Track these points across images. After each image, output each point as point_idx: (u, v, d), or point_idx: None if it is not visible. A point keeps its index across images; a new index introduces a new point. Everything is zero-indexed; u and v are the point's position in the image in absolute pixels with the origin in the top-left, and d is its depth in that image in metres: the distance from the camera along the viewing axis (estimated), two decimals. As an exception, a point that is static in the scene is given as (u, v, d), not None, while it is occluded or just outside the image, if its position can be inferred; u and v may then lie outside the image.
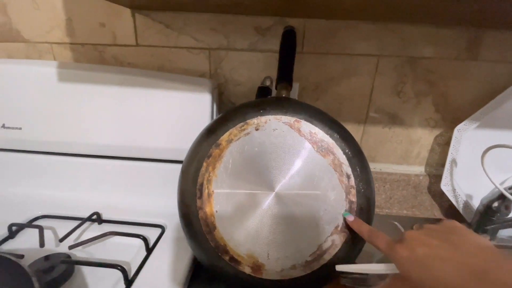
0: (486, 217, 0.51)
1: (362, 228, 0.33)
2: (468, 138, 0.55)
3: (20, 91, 0.52)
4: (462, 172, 0.56)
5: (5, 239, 0.45)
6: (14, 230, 0.46)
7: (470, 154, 0.55)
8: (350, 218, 0.35)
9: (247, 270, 0.36)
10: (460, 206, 0.57)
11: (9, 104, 0.52)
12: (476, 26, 0.51)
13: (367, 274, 0.31)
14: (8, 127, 0.53)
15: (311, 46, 0.53)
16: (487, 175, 0.55)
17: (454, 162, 0.56)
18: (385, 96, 0.56)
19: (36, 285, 0.27)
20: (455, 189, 0.57)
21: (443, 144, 0.59)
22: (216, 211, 0.37)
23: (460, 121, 0.54)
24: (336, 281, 0.37)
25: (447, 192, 0.57)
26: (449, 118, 0.57)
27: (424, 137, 0.59)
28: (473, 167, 0.56)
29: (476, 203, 0.54)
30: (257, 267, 0.36)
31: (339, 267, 0.33)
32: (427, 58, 0.53)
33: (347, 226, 0.35)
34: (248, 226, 0.36)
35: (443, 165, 0.57)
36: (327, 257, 0.36)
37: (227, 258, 0.36)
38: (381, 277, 0.30)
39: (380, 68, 0.54)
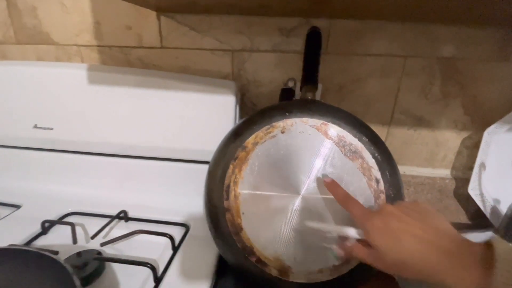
0: (516, 223, 0.49)
1: (337, 191, 0.33)
2: (498, 141, 0.53)
3: (51, 92, 0.54)
4: (490, 176, 0.54)
5: (38, 235, 0.47)
6: (46, 227, 0.48)
7: (500, 157, 0.53)
8: (328, 179, 0.34)
9: (274, 272, 0.36)
10: (487, 211, 0.55)
11: (40, 105, 0.54)
12: (508, 26, 0.49)
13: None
14: (40, 127, 0.55)
15: (336, 47, 0.52)
16: (518, 180, 0.53)
17: (482, 165, 0.54)
18: (411, 98, 0.54)
19: (77, 282, 0.28)
20: (482, 194, 0.55)
21: (471, 147, 0.57)
22: (243, 213, 0.37)
23: (490, 123, 0.52)
24: (363, 287, 0.37)
25: (474, 197, 0.55)
26: (478, 121, 0.55)
27: (451, 140, 0.57)
28: (502, 171, 0.54)
29: (504, 208, 0.52)
30: (284, 269, 0.36)
31: (309, 224, 0.34)
32: (457, 59, 0.51)
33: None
34: (275, 228, 0.36)
35: (470, 169, 0.55)
36: (354, 262, 0.35)
37: (254, 259, 0.36)
38: (344, 239, 0.31)
39: (407, 69, 0.53)
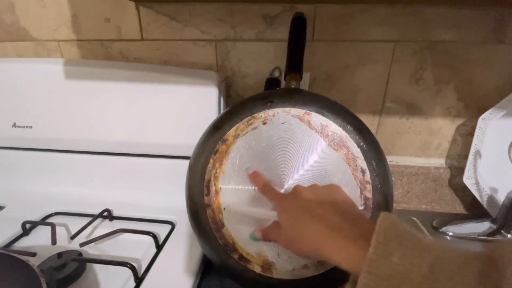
0: (513, 212, 0.48)
1: (257, 180, 0.34)
2: (493, 127, 0.51)
3: (30, 89, 0.52)
4: (486, 164, 0.52)
5: (19, 237, 0.46)
6: (28, 228, 0.47)
7: (496, 145, 0.52)
8: (250, 171, 0.35)
9: (257, 269, 0.35)
10: (484, 200, 0.53)
11: (19, 103, 0.53)
12: (502, 6, 0.46)
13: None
14: (19, 126, 0.53)
15: (322, 33, 0.50)
16: (515, 167, 0.51)
17: (478, 153, 0.52)
18: (402, 85, 0.52)
19: (44, 285, 0.27)
20: (478, 182, 0.53)
21: (465, 135, 0.55)
22: (224, 209, 0.36)
23: (485, 109, 0.50)
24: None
25: (470, 186, 0.53)
26: (473, 107, 0.53)
27: (445, 127, 0.55)
28: (498, 159, 0.52)
29: (501, 197, 0.50)
30: (267, 266, 0.35)
31: (230, 206, 0.35)
32: (449, 42, 0.49)
33: None
34: (257, 224, 0.35)
35: (465, 157, 0.53)
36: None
37: (236, 256, 0.35)
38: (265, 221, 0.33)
39: (397, 55, 0.50)
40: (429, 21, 0.48)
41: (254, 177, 0.35)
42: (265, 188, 0.33)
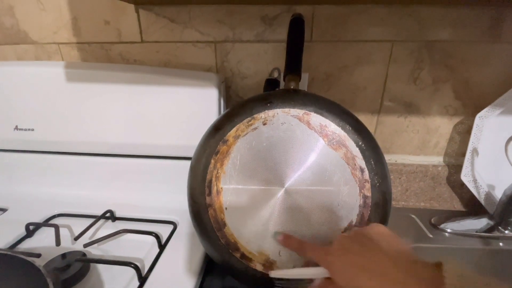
0: (510, 208, 0.48)
1: (291, 243, 0.34)
2: (490, 125, 0.51)
3: (31, 92, 0.53)
4: (483, 161, 0.53)
5: (23, 238, 0.47)
6: (31, 229, 0.48)
7: (493, 142, 0.52)
8: (280, 237, 0.34)
9: (259, 267, 0.35)
10: (481, 197, 0.54)
11: (21, 106, 0.53)
12: (498, 5, 0.47)
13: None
14: (21, 129, 0.54)
15: (320, 34, 0.51)
16: (511, 164, 0.52)
17: (475, 151, 0.53)
18: (400, 84, 0.53)
19: (51, 285, 0.27)
20: (476, 180, 0.54)
21: (463, 133, 0.56)
22: (226, 208, 0.36)
23: (482, 107, 0.51)
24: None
25: (467, 183, 0.54)
26: (470, 105, 0.54)
27: (442, 126, 0.56)
28: (495, 156, 0.53)
29: (498, 194, 0.51)
30: (269, 264, 0.35)
31: (274, 273, 0.32)
32: (446, 41, 0.50)
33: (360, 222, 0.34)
34: (259, 222, 0.36)
35: (463, 155, 0.54)
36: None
37: (238, 255, 0.36)
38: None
39: (395, 54, 0.51)
40: (426, 21, 0.49)
41: (286, 242, 0.34)
42: (302, 247, 0.32)
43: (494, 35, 0.49)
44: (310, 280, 0.30)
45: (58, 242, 0.45)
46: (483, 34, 0.49)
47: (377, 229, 0.29)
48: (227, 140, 0.37)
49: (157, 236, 0.45)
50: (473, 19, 0.48)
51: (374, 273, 0.25)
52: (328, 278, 0.29)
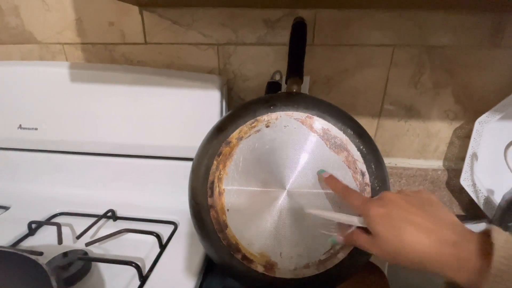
0: (509, 213, 0.49)
1: (337, 185, 0.33)
2: (490, 130, 0.52)
3: (35, 92, 0.53)
4: (483, 166, 0.53)
5: (25, 236, 0.47)
6: (33, 228, 0.48)
7: (492, 147, 0.53)
8: (326, 175, 0.34)
9: (260, 268, 0.36)
10: (480, 202, 0.54)
11: (25, 106, 0.54)
12: (499, 10, 0.47)
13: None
14: (25, 128, 0.54)
15: (322, 38, 0.51)
16: (510, 169, 0.52)
17: (474, 155, 0.53)
18: (401, 88, 0.53)
19: (54, 283, 0.27)
20: (475, 184, 0.54)
21: (463, 137, 0.56)
22: (228, 210, 0.36)
23: (481, 112, 0.51)
24: (347, 281, 0.36)
25: (467, 187, 0.54)
26: (470, 110, 0.54)
27: (442, 130, 0.56)
28: (495, 161, 0.53)
29: (498, 199, 0.51)
30: (269, 265, 0.35)
31: (309, 210, 0.34)
32: (447, 46, 0.50)
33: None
34: (260, 224, 0.36)
35: (463, 159, 0.54)
36: (341, 256, 0.35)
37: (239, 256, 0.36)
38: (345, 226, 0.32)
39: (396, 59, 0.51)
40: (427, 25, 0.49)
41: (331, 181, 0.33)
42: (346, 191, 0.31)
43: (495, 40, 0.49)
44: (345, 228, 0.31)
45: (60, 241, 0.45)
46: (484, 39, 0.49)
47: (427, 195, 0.28)
48: (230, 141, 0.38)
49: (158, 236, 0.45)
50: (474, 24, 0.49)
51: (422, 228, 0.24)
52: (363, 228, 0.29)
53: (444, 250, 0.23)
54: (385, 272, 0.42)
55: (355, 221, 0.30)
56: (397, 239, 0.25)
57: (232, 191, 0.37)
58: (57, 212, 0.53)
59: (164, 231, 0.49)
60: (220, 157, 0.37)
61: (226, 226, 0.36)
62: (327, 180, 0.34)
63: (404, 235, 0.25)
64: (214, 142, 0.38)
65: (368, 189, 0.35)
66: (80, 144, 0.55)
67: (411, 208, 0.26)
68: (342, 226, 0.32)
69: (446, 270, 0.23)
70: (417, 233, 0.24)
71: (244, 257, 0.36)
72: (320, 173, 0.35)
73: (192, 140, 0.49)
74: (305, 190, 0.35)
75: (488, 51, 0.50)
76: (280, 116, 0.38)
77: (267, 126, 0.37)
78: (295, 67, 0.43)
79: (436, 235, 0.24)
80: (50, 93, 0.53)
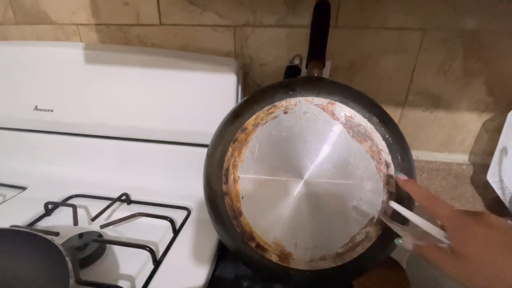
0: (538, 212, 0.46)
1: (417, 190, 0.29)
2: (523, 123, 0.48)
3: (51, 73, 0.53)
4: (512, 162, 0.50)
5: (42, 217, 0.48)
6: (50, 208, 0.49)
7: (524, 142, 0.49)
8: (403, 177, 0.30)
9: (274, 258, 0.35)
10: (506, 199, 0.51)
11: (40, 87, 0.54)
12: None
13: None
14: (41, 109, 0.54)
15: (346, 20, 0.48)
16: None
17: (504, 150, 0.50)
18: (429, 76, 0.50)
19: (69, 264, 0.27)
20: (502, 180, 0.51)
21: (492, 130, 0.53)
22: (242, 197, 0.35)
23: (516, 104, 0.48)
24: (365, 275, 0.35)
25: (493, 184, 0.51)
26: (503, 101, 0.50)
27: (471, 122, 0.53)
28: (526, 157, 0.50)
29: (526, 197, 0.48)
30: (284, 255, 0.35)
31: (392, 203, 0.31)
32: (482, 31, 0.46)
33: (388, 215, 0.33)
34: (275, 213, 0.35)
35: (490, 154, 0.51)
36: (360, 250, 0.33)
37: (253, 244, 0.35)
38: (418, 235, 0.28)
39: (425, 44, 0.48)
40: (461, 8, 0.45)
41: (410, 186, 0.30)
42: (431, 199, 0.28)
43: (536, 25, 0.45)
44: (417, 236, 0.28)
45: (75, 222, 0.46)
46: (524, 24, 0.45)
47: (503, 223, 0.24)
48: (246, 128, 0.36)
49: (171, 221, 0.45)
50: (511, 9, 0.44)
51: None
52: (437, 246, 0.26)
53: None
54: (404, 266, 0.41)
55: (436, 232, 0.26)
56: (496, 267, 0.22)
57: (247, 178, 0.35)
58: (72, 194, 0.54)
59: (177, 216, 0.48)
60: (236, 143, 0.36)
61: (241, 213, 0.35)
62: (405, 184, 0.30)
63: (506, 263, 0.22)
64: (230, 128, 0.37)
65: (393, 181, 0.33)
66: (95, 127, 0.54)
67: (507, 233, 0.23)
68: (414, 232, 0.29)
69: None
70: None
71: (258, 245, 0.35)
72: (396, 174, 0.32)
73: (206, 125, 0.48)
74: (324, 180, 0.34)
75: (527, 37, 0.46)
76: (300, 102, 0.36)
77: (285, 112, 0.36)
78: (317, 51, 0.41)
79: None
80: (65, 75, 0.52)
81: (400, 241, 0.29)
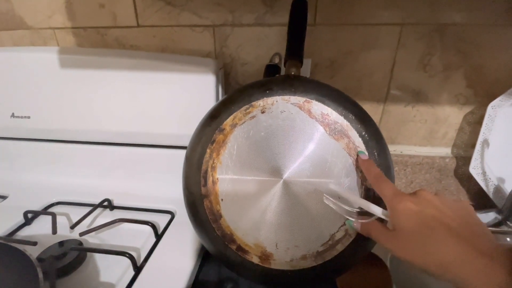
0: (520, 203, 0.46)
1: (371, 169, 0.30)
2: (503, 115, 0.49)
3: (27, 79, 0.52)
4: (494, 153, 0.50)
5: (22, 226, 0.47)
6: (30, 217, 0.48)
7: (505, 133, 0.50)
8: (364, 157, 0.32)
9: (255, 259, 0.34)
10: (490, 191, 0.52)
11: (17, 93, 0.52)
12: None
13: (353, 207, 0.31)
14: (17, 116, 0.53)
15: (325, 17, 0.48)
16: (524, 157, 0.49)
17: (486, 142, 0.51)
18: (408, 71, 0.50)
19: (40, 275, 0.27)
20: (485, 172, 0.51)
21: (473, 123, 0.53)
22: (222, 199, 0.35)
23: (495, 96, 0.48)
24: (348, 273, 0.35)
25: (476, 176, 0.52)
26: (482, 94, 0.51)
27: (452, 116, 0.53)
28: (507, 148, 0.50)
29: (508, 188, 0.49)
30: (265, 256, 0.34)
31: (332, 185, 0.32)
32: (459, 24, 0.46)
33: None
34: (255, 214, 0.34)
35: (472, 146, 0.52)
36: (340, 247, 0.33)
37: (234, 247, 0.35)
38: (362, 214, 0.30)
39: (404, 39, 0.48)
40: (438, 2, 0.45)
41: (366, 165, 0.31)
42: (379, 179, 0.29)
43: (511, 18, 0.45)
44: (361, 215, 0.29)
45: (54, 231, 0.45)
46: (499, 17, 0.45)
47: (464, 203, 0.26)
48: (224, 128, 0.36)
49: (153, 226, 0.45)
50: (489, 1, 0.45)
51: (456, 234, 0.23)
52: (381, 221, 0.28)
53: (478, 260, 0.21)
54: (387, 263, 0.41)
55: (377, 211, 0.28)
56: (425, 239, 0.23)
57: (226, 180, 0.35)
58: (54, 202, 0.52)
59: (161, 220, 0.48)
60: (214, 145, 0.36)
61: (221, 216, 0.35)
62: (362, 162, 0.31)
63: (435, 236, 0.23)
64: (207, 129, 0.36)
65: (370, 178, 0.33)
66: (74, 133, 0.53)
67: (447, 212, 0.24)
68: (360, 213, 0.31)
69: (472, 280, 0.21)
70: (450, 237, 0.23)
71: (239, 247, 0.35)
72: (359, 153, 0.33)
73: (187, 127, 0.47)
74: (303, 179, 0.34)
75: (504, 29, 0.46)
76: (277, 101, 0.35)
77: (263, 112, 0.35)
78: (295, 49, 0.41)
79: (471, 243, 0.22)
80: (42, 80, 0.51)
81: (349, 222, 0.31)
